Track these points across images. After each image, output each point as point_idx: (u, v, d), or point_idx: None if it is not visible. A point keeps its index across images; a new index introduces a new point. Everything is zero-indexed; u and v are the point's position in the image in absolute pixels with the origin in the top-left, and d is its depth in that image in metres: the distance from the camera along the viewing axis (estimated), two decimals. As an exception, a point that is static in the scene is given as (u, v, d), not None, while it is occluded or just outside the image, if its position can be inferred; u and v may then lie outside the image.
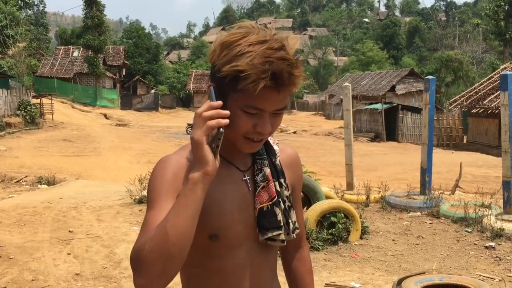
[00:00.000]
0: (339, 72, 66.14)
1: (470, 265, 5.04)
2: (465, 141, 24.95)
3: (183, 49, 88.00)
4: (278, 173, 1.28)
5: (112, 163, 14.30)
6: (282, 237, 1.24)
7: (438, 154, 17.47)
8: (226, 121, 1.05)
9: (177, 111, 47.54)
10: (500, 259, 5.15)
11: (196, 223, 1.06)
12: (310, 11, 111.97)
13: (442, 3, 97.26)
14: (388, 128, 25.45)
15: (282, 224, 1.24)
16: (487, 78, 25.74)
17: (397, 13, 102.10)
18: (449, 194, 8.57)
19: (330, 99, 44.95)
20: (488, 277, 4.68)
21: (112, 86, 45.46)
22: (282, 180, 1.27)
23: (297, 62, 1.12)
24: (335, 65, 71.08)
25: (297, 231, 1.28)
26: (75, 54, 44.68)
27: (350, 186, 8.27)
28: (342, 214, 5.69)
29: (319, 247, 5.41)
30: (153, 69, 53.08)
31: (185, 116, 41.40)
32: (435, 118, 21.90)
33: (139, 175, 8.18)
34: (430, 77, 7.85)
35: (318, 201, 5.89)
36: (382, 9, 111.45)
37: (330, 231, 5.58)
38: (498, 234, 5.76)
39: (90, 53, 39.30)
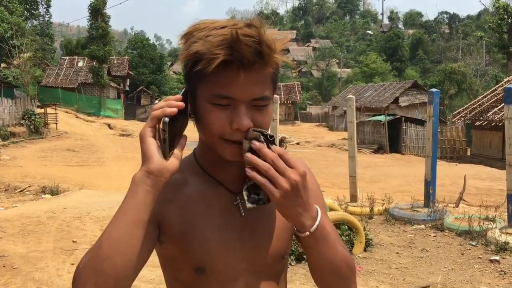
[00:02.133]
0: (342, 84, 66.30)
1: (475, 279, 5.01)
2: (468, 153, 24.89)
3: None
4: None
5: (116, 173, 14.32)
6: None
7: (442, 167, 17.45)
8: (173, 109, 0.90)
9: (181, 122, 47.54)
10: (505, 273, 5.12)
11: (141, 234, 0.88)
12: (313, 23, 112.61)
13: (445, 15, 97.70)
14: (392, 140, 25.44)
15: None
16: (490, 90, 25.75)
17: (400, 25, 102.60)
18: (453, 207, 8.54)
19: (334, 110, 45.03)
20: (493, 291, 4.65)
21: (116, 96, 45.67)
22: None
23: (269, 40, 0.91)
24: (338, 77, 71.26)
25: None
26: (80, 64, 44.98)
27: (353, 198, 8.26)
28: (346, 226, 5.68)
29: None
30: (157, 80, 53.32)
31: (188, 126, 41.49)
32: (439, 131, 21.97)
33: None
34: (434, 89, 7.87)
35: (322, 213, 5.88)
36: (386, 21, 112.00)
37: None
38: (502, 248, 5.73)
39: (94, 63, 39.57)
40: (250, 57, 0.90)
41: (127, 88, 50.10)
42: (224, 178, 1.06)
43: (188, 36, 0.96)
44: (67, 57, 47.59)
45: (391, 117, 26.51)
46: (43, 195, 9.83)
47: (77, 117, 36.30)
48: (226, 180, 1.05)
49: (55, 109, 28.48)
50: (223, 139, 0.95)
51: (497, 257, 5.52)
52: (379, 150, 25.65)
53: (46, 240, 6.26)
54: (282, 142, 23.66)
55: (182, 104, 0.92)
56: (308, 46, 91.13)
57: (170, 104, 0.91)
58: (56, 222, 7.19)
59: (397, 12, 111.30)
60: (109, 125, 35.63)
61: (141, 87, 50.43)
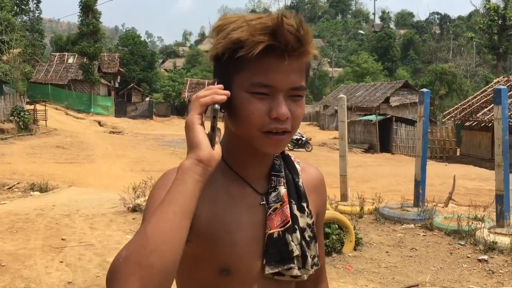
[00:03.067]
0: (333, 83, 66.46)
1: (463, 278, 5.05)
2: (458, 153, 25.08)
3: (178, 57, 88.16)
4: (300, 195, 1.06)
5: (106, 171, 14.24)
6: (295, 272, 1.02)
7: (432, 167, 17.55)
8: (222, 97, 0.91)
9: (172, 120, 47.49)
10: (493, 272, 5.17)
11: (188, 225, 0.84)
12: (306, 21, 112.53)
13: (436, 16, 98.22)
14: (382, 140, 25.56)
15: (294, 255, 1.01)
16: (480, 91, 25.96)
17: (392, 25, 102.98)
18: (443, 207, 8.60)
19: (325, 109, 45.12)
20: (481, 290, 4.69)
21: (106, 93, 45.41)
22: (304, 205, 1.06)
23: (308, 28, 0.94)
24: (330, 76, 71.40)
25: (316, 267, 1.06)
26: (70, 60, 44.66)
27: (344, 197, 8.28)
28: (336, 225, 5.70)
29: (313, 258, 5.41)
30: (148, 77, 53.11)
31: (179, 124, 41.39)
32: (429, 131, 22.12)
33: (133, 183, 8.15)
34: (424, 90, 7.92)
35: (312, 212, 5.89)
36: (377, 21, 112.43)
37: (325, 241, 5.57)
38: (491, 247, 5.78)
39: (85, 60, 39.31)
40: (294, 43, 0.91)
41: (118, 85, 49.82)
42: (250, 176, 1.04)
43: (219, 29, 0.96)
44: (57, 54, 47.22)
45: (382, 117, 26.63)
46: (32, 192, 9.74)
47: (67, 114, 36.04)
48: (252, 179, 1.04)
49: (45, 105, 28.22)
50: (262, 132, 0.94)
51: (485, 257, 5.57)
52: (369, 149, 25.76)
53: (34, 237, 6.21)
54: (307, 143, 23.68)
55: (228, 92, 0.93)
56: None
57: (217, 92, 0.91)
58: (45, 219, 7.13)
59: (388, 12, 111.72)
60: (99, 122, 35.42)
61: (132, 84, 50.21)
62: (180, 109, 51.26)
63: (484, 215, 7.24)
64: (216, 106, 0.89)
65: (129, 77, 51.56)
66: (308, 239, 1.04)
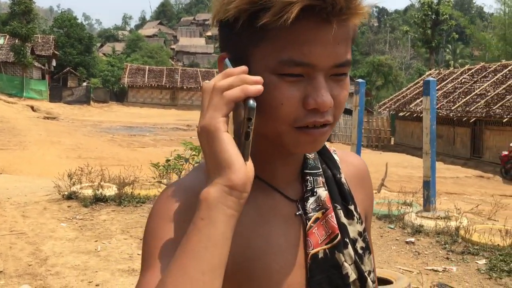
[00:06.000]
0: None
1: (392, 259, 5.35)
2: (392, 142, 26.21)
3: (118, 41, 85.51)
4: (345, 196, 0.81)
5: (39, 158, 13.68)
6: None
7: (367, 155, 18.26)
8: (258, 87, 0.62)
9: (110, 106, 46.16)
10: (418, 254, 5.50)
11: (220, 285, 0.60)
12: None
13: (374, 9, 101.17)
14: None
15: (351, 280, 0.76)
16: (413, 83, 27.19)
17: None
18: (375, 193, 9.01)
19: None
20: (407, 270, 4.99)
21: (40, 77, 43.32)
22: (352, 208, 0.81)
23: None
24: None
25: (373, 285, 0.81)
26: (0, 42, 42.17)
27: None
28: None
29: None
30: (85, 61, 51.15)
31: (118, 111, 40.38)
32: (365, 120, 22.96)
33: (69, 170, 7.92)
34: (360, 80, 8.20)
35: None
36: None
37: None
38: (417, 230, 6.15)
39: (17, 41, 37.28)
40: (342, 3, 0.63)
41: (53, 69, 47.69)
42: (279, 180, 0.77)
43: None
44: (-14, 34, 44.42)
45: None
46: (-43, 180, 9.21)
47: (-4, 98, 34.12)
48: (281, 183, 0.77)
49: (-28, 88, 26.58)
50: (294, 127, 0.68)
51: (412, 239, 5.92)
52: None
53: (-40, 227, 5.91)
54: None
55: (261, 79, 0.64)
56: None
57: (246, 79, 0.62)
58: (-28, 208, 6.79)
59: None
60: (32, 107, 33.82)
61: (68, 68, 48.20)
62: (120, 95, 49.90)
63: (412, 201, 7.66)
64: (252, 102, 0.62)
65: (65, 60, 49.44)
66: (361, 251, 0.80)
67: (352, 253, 0.77)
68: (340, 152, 0.89)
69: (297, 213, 0.77)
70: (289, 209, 0.77)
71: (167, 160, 9.30)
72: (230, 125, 0.64)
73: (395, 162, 16.03)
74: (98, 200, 7.18)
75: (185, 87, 48.13)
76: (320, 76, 0.66)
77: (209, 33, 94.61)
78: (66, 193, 7.47)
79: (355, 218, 0.80)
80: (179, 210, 0.69)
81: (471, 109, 19.49)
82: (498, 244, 5.42)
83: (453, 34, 44.23)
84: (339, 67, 0.67)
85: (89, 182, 7.83)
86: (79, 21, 57.33)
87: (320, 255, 0.75)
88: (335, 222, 0.77)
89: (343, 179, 0.82)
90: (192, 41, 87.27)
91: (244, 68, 0.64)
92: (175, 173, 9.29)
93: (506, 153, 15.57)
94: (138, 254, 5.14)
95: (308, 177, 0.79)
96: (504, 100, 18.13)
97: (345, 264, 0.76)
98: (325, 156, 0.84)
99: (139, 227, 6.08)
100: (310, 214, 0.76)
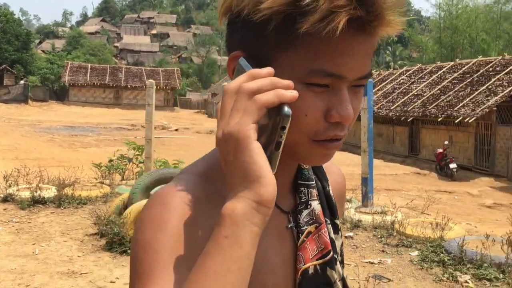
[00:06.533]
0: (222, 71, 67.05)
1: (331, 254, 5.54)
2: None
3: (57, 38, 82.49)
4: (332, 210, 0.80)
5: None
6: None
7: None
8: (294, 93, 0.57)
9: (50, 105, 44.48)
10: (356, 247, 5.74)
11: None
12: (194, 8, 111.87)
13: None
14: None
15: None
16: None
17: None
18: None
19: (213, 97, 45.45)
20: (346, 264, 5.19)
21: (-27, 74, 41.12)
22: (338, 222, 0.80)
23: None
24: (218, 64, 71.89)
25: None
26: None
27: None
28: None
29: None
30: (22, 58, 49.02)
31: (58, 110, 39.02)
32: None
33: (4, 172, 7.61)
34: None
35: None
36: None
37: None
38: (356, 225, 6.40)
39: None
40: (380, 11, 0.60)
41: (-13, 66, 45.36)
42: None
43: None
44: None
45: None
46: None
47: None
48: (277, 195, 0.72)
49: None
50: (313, 140, 0.64)
51: (351, 234, 6.15)
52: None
53: None
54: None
55: (292, 83, 0.58)
56: (188, 31, 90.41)
57: (277, 84, 0.57)
58: None
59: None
60: (-36, 107, 32.05)
61: (3, 66, 45.98)
62: (60, 94, 48.19)
63: (352, 197, 7.94)
64: (287, 109, 0.56)
65: (1, 57, 47.18)
66: (341, 265, 0.79)
67: (340, 269, 0.76)
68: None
69: (289, 226, 0.73)
70: (280, 221, 0.72)
71: (110, 160, 9.14)
72: None
73: (338, 160, 16.48)
74: (36, 202, 6.96)
75: (129, 86, 47.21)
76: (345, 88, 0.63)
77: (154, 31, 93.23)
78: (1, 195, 7.18)
79: (340, 232, 0.79)
80: (178, 219, 0.62)
81: (408, 109, 20.36)
82: (430, 237, 5.75)
83: (393, 37, 45.87)
84: (362, 79, 0.65)
85: (27, 183, 7.56)
86: (16, 16, 54.83)
87: (311, 271, 0.72)
88: (328, 238, 0.75)
89: (331, 192, 0.80)
90: (136, 39, 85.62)
91: (271, 70, 0.58)
92: (118, 173, 9.15)
93: (440, 150, 16.36)
94: (79, 256, 5.05)
95: (302, 189, 0.75)
96: (439, 100, 19.06)
97: (338, 283, 0.73)
98: (315, 167, 0.81)
99: (80, 229, 5.95)
100: (303, 228, 0.73)
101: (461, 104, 17.43)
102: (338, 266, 0.75)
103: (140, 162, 8.76)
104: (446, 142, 16.52)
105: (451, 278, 4.65)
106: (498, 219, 9.36)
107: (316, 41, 0.59)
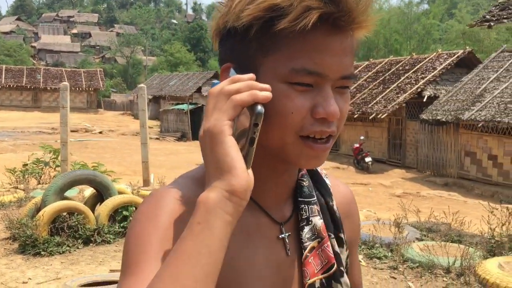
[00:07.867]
0: (148, 72, 65.95)
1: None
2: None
3: (-32, 38, 77.10)
4: (337, 224, 0.82)
5: None
6: None
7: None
8: (267, 94, 0.63)
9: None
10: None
11: None
12: (117, 7, 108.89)
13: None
14: (194, 128, 26.53)
15: None
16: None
17: (204, 17, 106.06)
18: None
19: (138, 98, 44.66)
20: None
21: None
22: (342, 236, 0.82)
23: None
24: (144, 65, 70.61)
25: None
26: None
27: (146, 182, 8.65)
28: (134, 208, 6.03)
29: (111, 240, 5.66)
30: None
31: (-28, 115, 36.68)
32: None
33: None
34: (215, 81, 8.68)
35: (110, 197, 6.12)
36: (190, 11, 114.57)
37: (121, 224, 5.87)
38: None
39: None
40: (356, 9, 0.66)
41: None
42: (268, 200, 0.76)
43: None
44: None
45: (193, 106, 27.60)
46: None
47: None
48: (269, 204, 0.77)
49: None
50: (301, 136, 0.68)
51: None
52: (182, 137, 26.56)
53: None
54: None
55: (269, 86, 0.64)
56: (111, 31, 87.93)
57: (253, 85, 0.63)
58: None
59: (200, 4, 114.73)
60: None
61: None
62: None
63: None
64: (260, 107, 0.63)
65: None
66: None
67: (348, 281, 0.79)
68: (332, 179, 0.88)
69: (280, 236, 0.76)
70: (272, 231, 0.76)
71: (24, 165, 8.93)
72: None
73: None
74: None
75: (48, 88, 45.20)
76: (328, 86, 0.67)
77: (74, 31, 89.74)
78: None
79: (345, 246, 0.82)
80: (168, 215, 0.67)
81: (328, 107, 21.28)
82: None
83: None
84: (344, 79, 0.69)
85: None
86: None
87: (317, 285, 0.76)
88: (331, 252, 0.78)
89: (335, 207, 0.83)
90: (56, 38, 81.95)
91: (251, 75, 0.64)
92: (34, 177, 8.96)
93: (357, 145, 17.28)
94: (-10, 261, 5.00)
95: (303, 206, 0.79)
96: (355, 98, 20.12)
97: None
98: (318, 183, 0.84)
99: (-8, 235, 5.85)
100: (306, 244, 0.76)
101: (374, 101, 18.55)
102: (345, 278, 0.78)
103: (57, 166, 8.65)
104: (362, 137, 17.45)
105: (350, 259, 5.11)
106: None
107: (294, 41, 0.65)
